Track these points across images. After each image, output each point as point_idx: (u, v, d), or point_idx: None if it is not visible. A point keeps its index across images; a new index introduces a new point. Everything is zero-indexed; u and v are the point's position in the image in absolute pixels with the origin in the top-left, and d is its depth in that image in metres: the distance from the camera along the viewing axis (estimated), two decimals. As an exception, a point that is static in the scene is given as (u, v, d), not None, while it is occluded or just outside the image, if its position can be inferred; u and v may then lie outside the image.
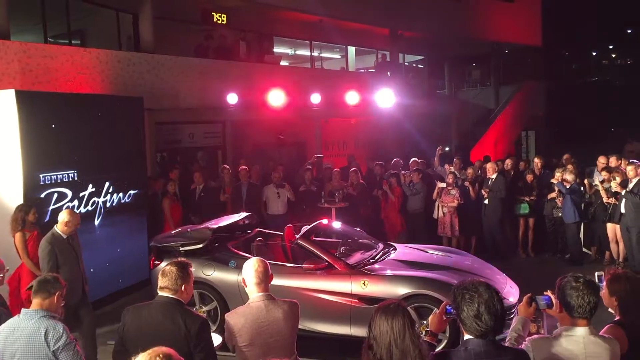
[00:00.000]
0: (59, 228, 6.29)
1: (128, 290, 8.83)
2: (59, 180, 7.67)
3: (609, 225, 9.61)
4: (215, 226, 7.66)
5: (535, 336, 3.26)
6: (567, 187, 9.69)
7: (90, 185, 8.18)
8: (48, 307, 3.98)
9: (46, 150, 7.56)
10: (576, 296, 3.14)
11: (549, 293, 3.34)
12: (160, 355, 2.58)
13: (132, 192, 9.02)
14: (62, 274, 5.99)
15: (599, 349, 3.12)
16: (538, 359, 3.06)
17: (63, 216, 6.31)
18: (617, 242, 9.59)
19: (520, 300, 7.05)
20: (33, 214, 6.88)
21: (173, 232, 8.21)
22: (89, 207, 8.17)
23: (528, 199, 10.56)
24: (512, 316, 6.45)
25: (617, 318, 3.49)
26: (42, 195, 7.44)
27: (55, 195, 7.62)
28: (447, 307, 3.19)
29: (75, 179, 7.93)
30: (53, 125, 7.67)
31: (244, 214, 8.57)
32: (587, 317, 3.16)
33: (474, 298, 2.90)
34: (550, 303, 3.30)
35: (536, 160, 11.51)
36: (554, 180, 10.01)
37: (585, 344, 3.12)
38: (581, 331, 3.14)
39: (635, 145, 15.21)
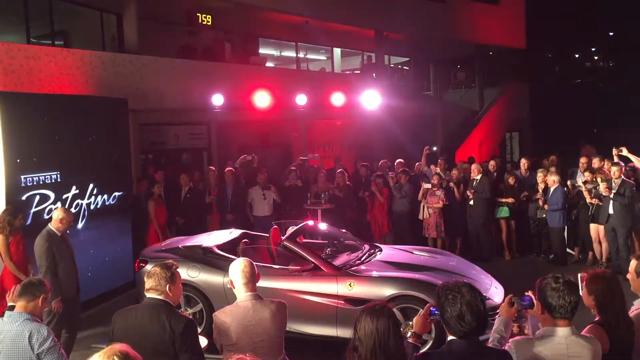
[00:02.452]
0: (53, 226, 6.33)
1: (112, 293, 8.75)
2: (40, 182, 7.58)
3: (592, 226, 9.70)
4: (207, 245, 7.57)
5: (517, 337, 3.28)
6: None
7: (74, 187, 8.09)
8: (32, 310, 3.97)
9: (28, 152, 7.46)
10: (557, 297, 3.17)
11: (529, 293, 3.37)
12: (118, 354, 2.52)
13: (116, 194, 8.94)
14: (59, 270, 6.19)
15: (581, 349, 3.15)
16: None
17: (57, 214, 6.35)
18: (600, 243, 9.69)
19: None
20: (20, 220, 6.87)
21: (163, 245, 8.16)
22: (73, 210, 8.07)
23: (512, 201, 10.58)
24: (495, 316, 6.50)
25: (597, 318, 3.53)
26: (24, 198, 7.34)
27: (37, 197, 7.52)
28: (432, 309, 3.21)
29: (58, 180, 7.85)
30: (36, 127, 7.60)
31: (237, 231, 8.39)
32: (569, 318, 3.18)
33: (457, 299, 2.92)
34: (531, 303, 3.32)
35: (523, 161, 11.57)
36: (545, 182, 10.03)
37: (568, 344, 3.14)
38: (563, 331, 3.17)
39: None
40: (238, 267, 3.89)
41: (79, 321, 6.79)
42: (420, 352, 3.16)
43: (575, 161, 11.24)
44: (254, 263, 4.03)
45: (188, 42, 14.20)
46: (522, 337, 3.34)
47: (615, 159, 9.76)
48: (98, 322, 7.43)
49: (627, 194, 8.98)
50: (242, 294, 3.86)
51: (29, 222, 7.32)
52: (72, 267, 6.48)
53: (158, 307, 3.66)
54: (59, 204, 7.80)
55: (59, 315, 6.20)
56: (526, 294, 3.38)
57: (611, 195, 9.10)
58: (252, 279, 3.88)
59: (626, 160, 9.80)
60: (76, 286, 6.55)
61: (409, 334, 3.30)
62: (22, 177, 7.33)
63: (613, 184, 9.14)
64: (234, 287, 3.90)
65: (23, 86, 9.48)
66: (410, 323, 6.18)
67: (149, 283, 3.72)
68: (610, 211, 9.17)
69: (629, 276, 3.87)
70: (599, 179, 9.33)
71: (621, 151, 9.69)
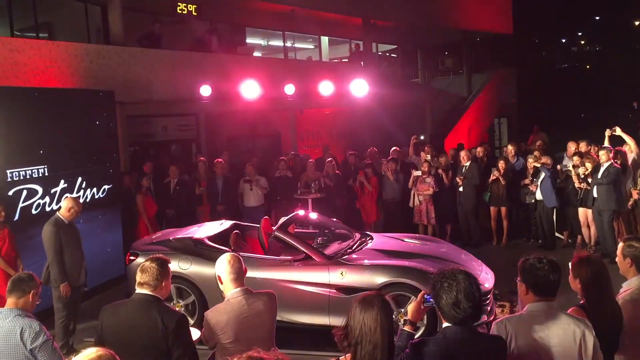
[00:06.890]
0: (61, 214, 6.52)
1: (103, 286, 8.72)
2: (27, 177, 7.51)
3: (581, 210, 9.77)
4: (198, 237, 7.54)
5: (508, 315, 3.31)
6: (549, 169, 9.86)
7: (62, 181, 8.03)
8: (23, 305, 3.94)
9: (15, 146, 7.39)
10: (542, 276, 3.22)
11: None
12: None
13: (105, 187, 8.89)
14: (65, 257, 6.42)
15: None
16: (515, 334, 3.14)
17: (67, 203, 6.54)
18: (588, 226, 9.77)
19: (495, 286, 7.15)
20: (1, 211, 6.79)
21: (154, 237, 8.12)
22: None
23: (497, 176, 10.53)
24: (487, 302, 6.54)
25: (582, 302, 3.56)
26: (10, 193, 7.28)
27: (25, 192, 7.46)
28: (426, 296, 3.21)
29: (46, 174, 7.78)
30: (22, 121, 7.52)
31: (228, 222, 8.35)
32: (553, 296, 3.25)
33: (453, 286, 2.93)
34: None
35: (510, 147, 11.56)
36: (537, 164, 10.06)
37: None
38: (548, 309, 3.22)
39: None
40: (226, 262, 3.84)
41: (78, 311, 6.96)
42: (415, 339, 3.17)
43: (563, 145, 11.28)
44: (246, 254, 4.02)
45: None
46: (511, 315, 3.36)
47: (607, 140, 9.79)
48: (88, 316, 7.37)
49: (609, 178, 9.00)
50: (231, 289, 3.81)
51: (16, 217, 7.27)
52: (79, 255, 6.68)
53: (149, 303, 3.63)
54: (47, 199, 7.75)
55: (65, 302, 6.46)
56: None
57: (582, 185, 9.33)
58: (240, 273, 3.84)
59: (618, 140, 9.81)
60: (83, 274, 6.77)
61: (402, 322, 3.30)
62: (9, 172, 7.26)
63: (600, 167, 9.18)
64: (222, 283, 3.85)
65: (8, 80, 9.36)
66: (403, 310, 6.24)
67: (143, 278, 3.67)
68: (595, 194, 9.24)
69: (617, 259, 3.90)
70: (588, 164, 9.37)
71: (614, 130, 9.71)
